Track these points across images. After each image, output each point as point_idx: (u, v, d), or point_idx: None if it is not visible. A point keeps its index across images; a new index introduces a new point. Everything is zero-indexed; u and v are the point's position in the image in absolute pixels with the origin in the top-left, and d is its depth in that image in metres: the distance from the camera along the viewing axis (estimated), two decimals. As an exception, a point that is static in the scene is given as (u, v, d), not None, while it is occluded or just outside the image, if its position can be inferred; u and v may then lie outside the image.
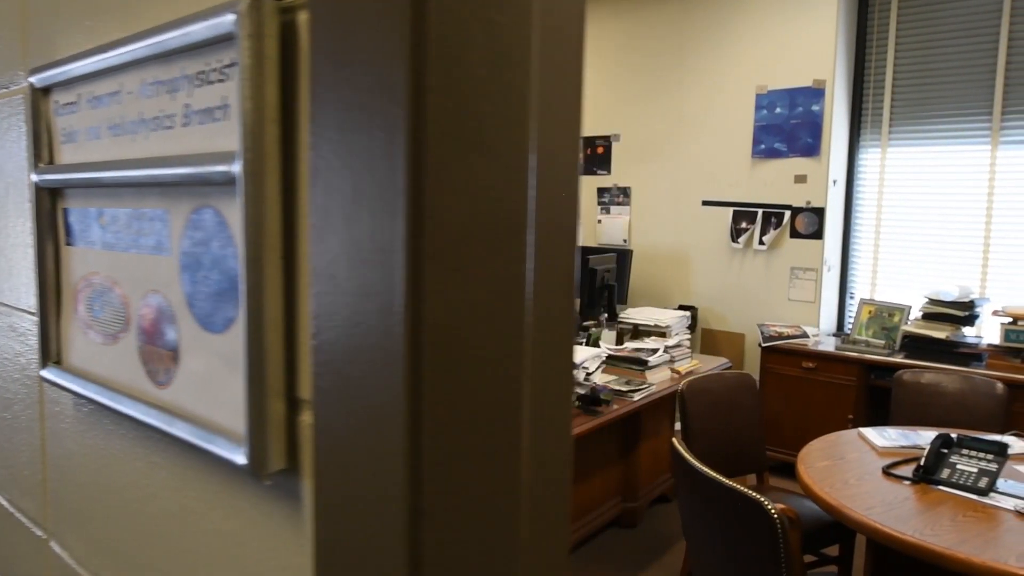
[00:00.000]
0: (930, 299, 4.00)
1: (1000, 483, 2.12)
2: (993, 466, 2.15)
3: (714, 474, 1.97)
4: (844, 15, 4.36)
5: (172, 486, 0.75)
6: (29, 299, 0.99)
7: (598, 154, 5.47)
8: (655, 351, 3.59)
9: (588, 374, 3.15)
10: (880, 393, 3.77)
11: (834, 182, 4.47)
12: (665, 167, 5.13)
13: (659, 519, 3.63)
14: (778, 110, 4.56)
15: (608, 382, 3.33)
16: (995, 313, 3.78)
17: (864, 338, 4.15)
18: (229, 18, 0.57)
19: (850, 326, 4.44)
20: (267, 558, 0.63)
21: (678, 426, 3.03)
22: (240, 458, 0.60)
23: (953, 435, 2.28)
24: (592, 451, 3.28)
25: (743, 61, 4.69)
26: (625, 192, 5.36)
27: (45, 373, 0.89)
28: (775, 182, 4.61)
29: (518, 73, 0.51)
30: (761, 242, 4.68)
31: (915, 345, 3.97)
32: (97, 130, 0.78)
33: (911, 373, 3.21)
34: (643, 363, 3.51)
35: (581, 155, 0.61)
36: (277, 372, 0.59)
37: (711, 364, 3.93)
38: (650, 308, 4.30)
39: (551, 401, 0.58)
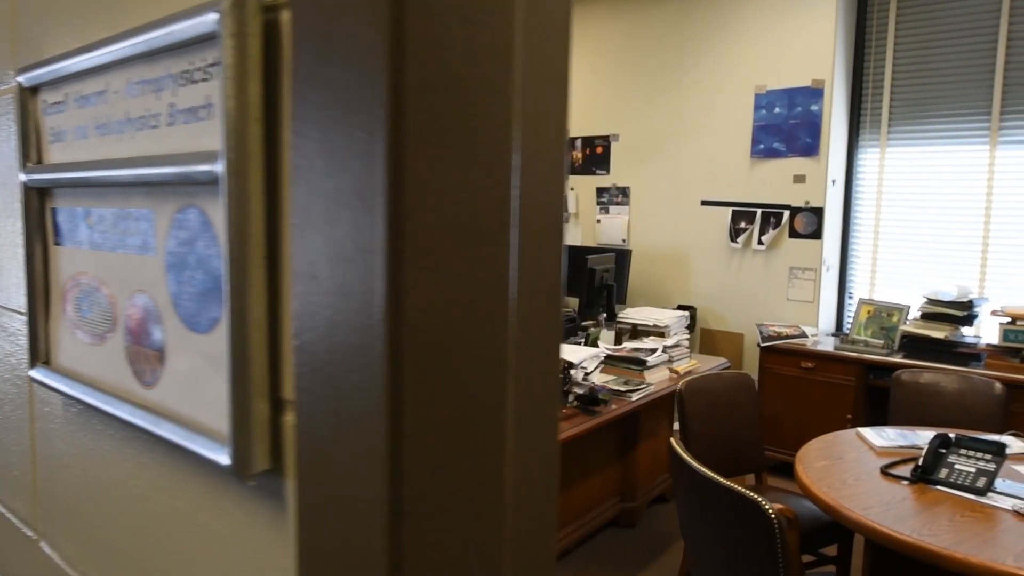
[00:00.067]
0: (929, 299, 4.00)
1: (998, 483, 2.11)
2: (991, 466, 2.14)
3: (712, 474, 1.97)
4: (843, 15, 4.36)
5: (159, 487, 0.75)
6: (19, 299, 0.99)
7: (597, 154, 5.47)
8: (654, 351, 3.58)
9: (586, 374, 3.15)
10: (879, 393, 3.76)
11: (833, 182, 4.46)
12: (664, 167, 5.12)
13: (658, 519, 3.63)
14: (777, 110, 4.55)
15: (606, 382, 3.32)
16: (994, 313, 3.78)
17: (863, 338, 4.14)
18: (212, 17, 0.56)
19: (849, 326, 4.44)
20: (252, 559, 0.63)
21: (677, 426, 3.03)
22: (224, 459, 0.60)
23: (951, 435, 2.28)
24: (590, 451, 3.28)
25: (742, 61, 4.69)
26: (624, 192, 5.35)
27: (34, 373, 0.89)
28: (774, 182, 4.61)
29: (500, 71, 0.51)
30: (760, 242, 4.67)
31: (914, 345, 3.97)
32: (84, 129, 0.77)
33: (910, 373, 3.20)
34: (642, 363, 3.50)
35: (567, 154, 0.61)
36: (261, 372, 0.59)
37: (710, 364, 3.93)
38: (649, 308, 4.29)
39: (536, 401, 0.57)
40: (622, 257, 4.87)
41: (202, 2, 0.58)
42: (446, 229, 0.48)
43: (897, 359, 3.85)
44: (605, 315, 4.18)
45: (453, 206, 0.48)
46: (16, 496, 1.07)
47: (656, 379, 3.52)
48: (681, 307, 4.75)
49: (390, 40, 0.45)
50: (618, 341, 3.81)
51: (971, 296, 3.91)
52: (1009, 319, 3.64)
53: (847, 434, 2.70)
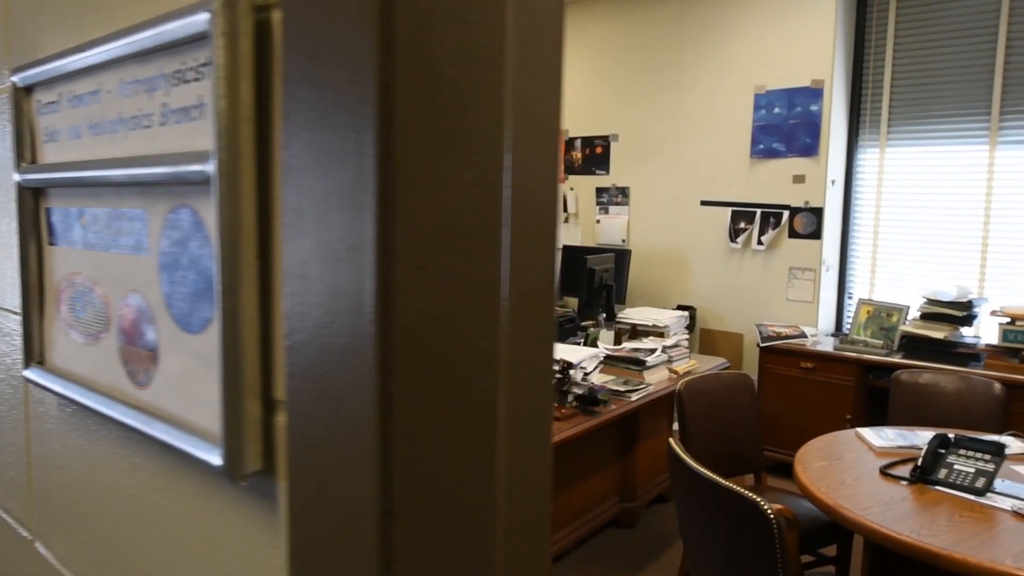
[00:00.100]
0: (928, 299, 3.99)
1: (997, 483, 2.11)
2: (990, 466, 2.14)
3: (711, 474, 1.96)
4: (843, 15, 4.36)
5: (153, 487, 0.75)
6: (15, 299, 0.99)
7: (597, 154, 5.47)
8: (653, 351, 3.58)
9: (586, 374, 3.15)
10: (878, 393, 3.76)
11: (832, 182, 4.46)
12: (664, 167, 5.12)
13: (657, 519, 3.62)
14: (777, 110, 4.55)
15: (606, 382, 3.32)
16: (993, 313, 3.78)
17: (862, 338, 4.14)
18: (203, 17, 0.56)
19: (848, 326, 4.43)
20: (244, 559, 0.63)
21: (676, 426, 3.03)
22: (216, 459, 0.60)
23: (951, 435, 2.28)
24: (590, 451, 3.28)
25: (742, 61, 4.69)
26: (624, 192, 5.35)
27: (28, 373, 0.89)
28: (773, 182, 4.61)
29: (492, 70, 0.51)
30: (759, 242, 4.67)
31: (913, 345, 3.97)
32: (78, 129, 0.77)
33: (909, 373, 3.20)
34: (641, 363, 3.50)
35: (561, 154, 0.60)
36: (253, 373, 0.58)
37: (709, 364, 3.92)
38: (648, 308, 4.29)
39: (529, 401, 0.57)
40: (621, 257, 4.87)
41: (193, 2, 0.58)
42: (437, 229, 0.48)
43: (896, 359, 3.84)
44: (604, 315, 4.18)
45: (444, 206, 0.48)
46: (11, 496, 1.07)
47: (655, 379, 3.52)
48: (680, 307, 4.75)
49: (379, 39, 0.44)
50: (617, 341, 3.80)
51: (970, 296, 3.91)
52: (1008, 319, 3.63)
53: (846, 434, 2.69)
